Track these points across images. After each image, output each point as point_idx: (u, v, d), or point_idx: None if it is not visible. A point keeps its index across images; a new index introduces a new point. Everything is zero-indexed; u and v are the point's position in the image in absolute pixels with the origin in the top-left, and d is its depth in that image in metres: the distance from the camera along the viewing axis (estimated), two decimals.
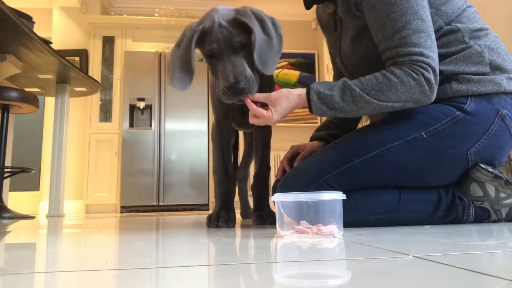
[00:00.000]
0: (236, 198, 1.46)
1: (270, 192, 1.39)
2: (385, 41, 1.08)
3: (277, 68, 5.10)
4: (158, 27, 4.77)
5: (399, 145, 1.10)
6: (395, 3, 1.06)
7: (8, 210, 2.67)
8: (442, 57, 1.11)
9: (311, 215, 0.91)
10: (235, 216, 1.34)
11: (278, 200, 0.94)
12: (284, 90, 1.11)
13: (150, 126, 4.44)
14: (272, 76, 1.39)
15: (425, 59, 1.03)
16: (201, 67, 4.34)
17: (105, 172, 4.37)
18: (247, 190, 1.80)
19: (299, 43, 5.25)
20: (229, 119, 1.42)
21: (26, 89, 3.02)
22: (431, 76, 1.03)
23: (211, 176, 4.38)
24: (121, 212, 4.14)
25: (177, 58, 1.14)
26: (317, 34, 5.27)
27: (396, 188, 1.15)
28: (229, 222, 1.30)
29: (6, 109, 2.75)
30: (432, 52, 1.05)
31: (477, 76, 1.11)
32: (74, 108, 4.29)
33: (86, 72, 4.35)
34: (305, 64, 5.20)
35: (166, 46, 4.70)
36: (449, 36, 1.14)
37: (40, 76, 3.00)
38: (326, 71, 5.01)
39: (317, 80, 5.16)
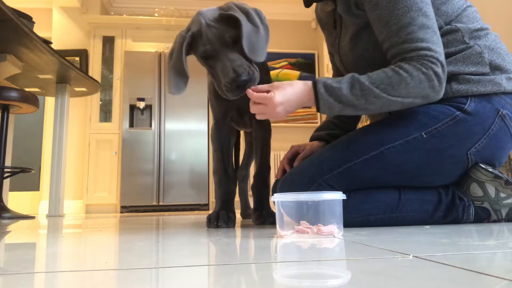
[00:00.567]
0: (236, 198, 1.46)
1: (270, 192, 1.39)
2: (390, 38, 1.06)
3: (277, 68, 5.10)
4: (158, 27, 4.77)
5: (399, 145, 1.10)
6: (399, 0, 1.05)
7: (8, 210, 2.67)
8: None
9: (311, 215, 0.91)
10: (235, 216, 1.34)
11: (278, 200, 0.94)
12: (288, 81, 1.10)
13: (150, 126, 4.44)
14: (269, 74, 1.42)
15: (433, 53, 1.02)
16: (201, 67, 4.33)
17: (105, 172, 4.38)
18: (248, 190, 1.80)
19: (299, 43, 5.25)
20: (228, 118, 1.42)
21: (26, 89, 3.02)
22: (440, 70, 1.02)
23: (211, 176, 4.38)
24: (121, 212, 4.14)
25: (171, 67, 1.18)
26: (317, 34, 5.27)
27: (396, 188, 1.15)
28: (229, 222, 1.30)
29: (6, 109, 2.75)
30: (439, 48, 1.04)
31: (477, 76, 1.10)
32: (74, 108, 4.30)
33: (86, 72, 4.35)
34: (305, 64, 5.19)
35: (166, 46, 4.70)
36: (449, 36, 1.14)
37: (40, 76, 3.00)
38: (326, 71, 5.00)
39: None
